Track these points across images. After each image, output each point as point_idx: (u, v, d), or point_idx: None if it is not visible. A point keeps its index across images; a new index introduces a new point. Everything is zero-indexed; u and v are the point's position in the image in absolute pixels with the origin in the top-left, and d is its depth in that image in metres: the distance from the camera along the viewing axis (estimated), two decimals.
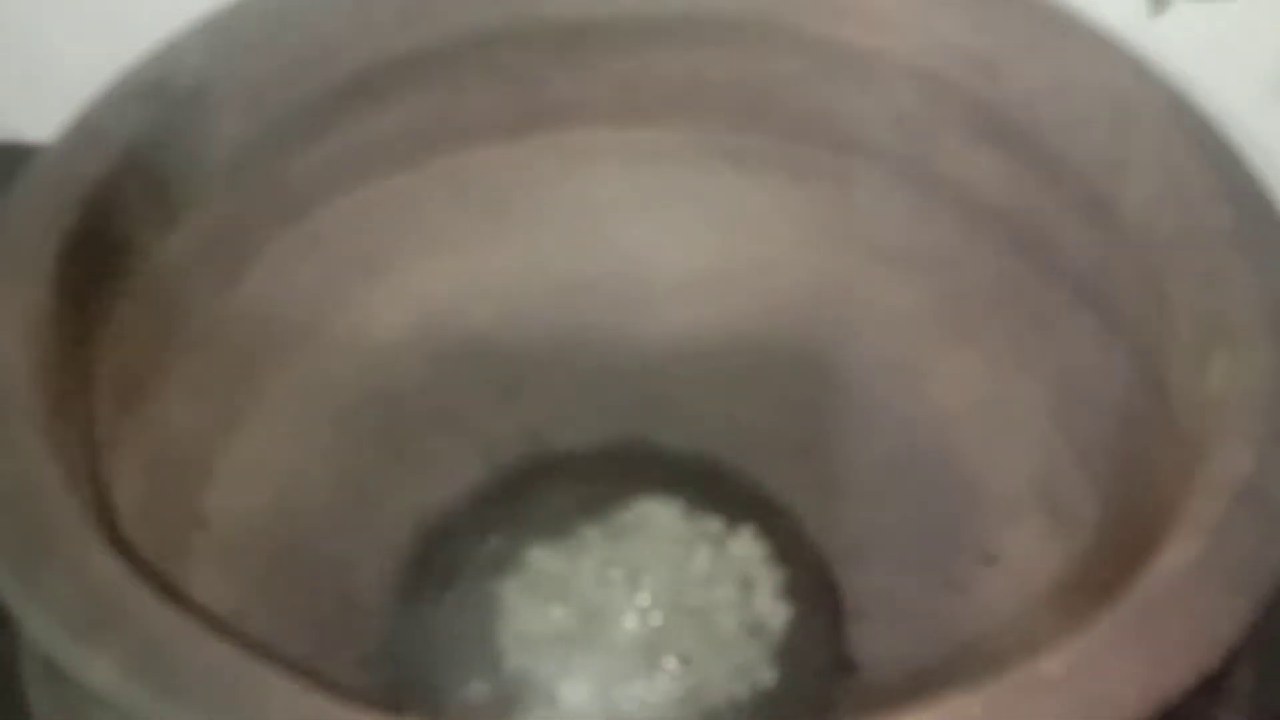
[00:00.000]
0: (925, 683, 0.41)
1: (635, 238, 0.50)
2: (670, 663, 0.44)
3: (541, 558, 0.46)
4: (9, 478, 0.37)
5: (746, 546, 0.46)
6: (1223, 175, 0.42)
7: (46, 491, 0.37)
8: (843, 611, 0.45)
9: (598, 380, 0.49)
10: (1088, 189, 0.44)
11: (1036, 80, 0.45)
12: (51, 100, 0.44)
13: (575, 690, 0.44)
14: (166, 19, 0.45)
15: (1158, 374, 0.42)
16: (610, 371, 0.49)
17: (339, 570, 0.46)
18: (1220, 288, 0.40)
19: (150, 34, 0.45)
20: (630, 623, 0.45)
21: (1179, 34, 0.47)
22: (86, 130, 0.44)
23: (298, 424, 0.47)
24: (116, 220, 0.43)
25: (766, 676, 0.44)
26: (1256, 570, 0.35)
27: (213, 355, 0.46)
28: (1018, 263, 0.47)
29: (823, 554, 0.46)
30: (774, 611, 0.45)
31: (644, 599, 0.45)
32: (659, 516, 0.46)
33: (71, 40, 0.53)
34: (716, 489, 0.47)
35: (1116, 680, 0.33)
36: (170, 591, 0.36)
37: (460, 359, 0.49)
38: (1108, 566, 0.41)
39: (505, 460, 0.48)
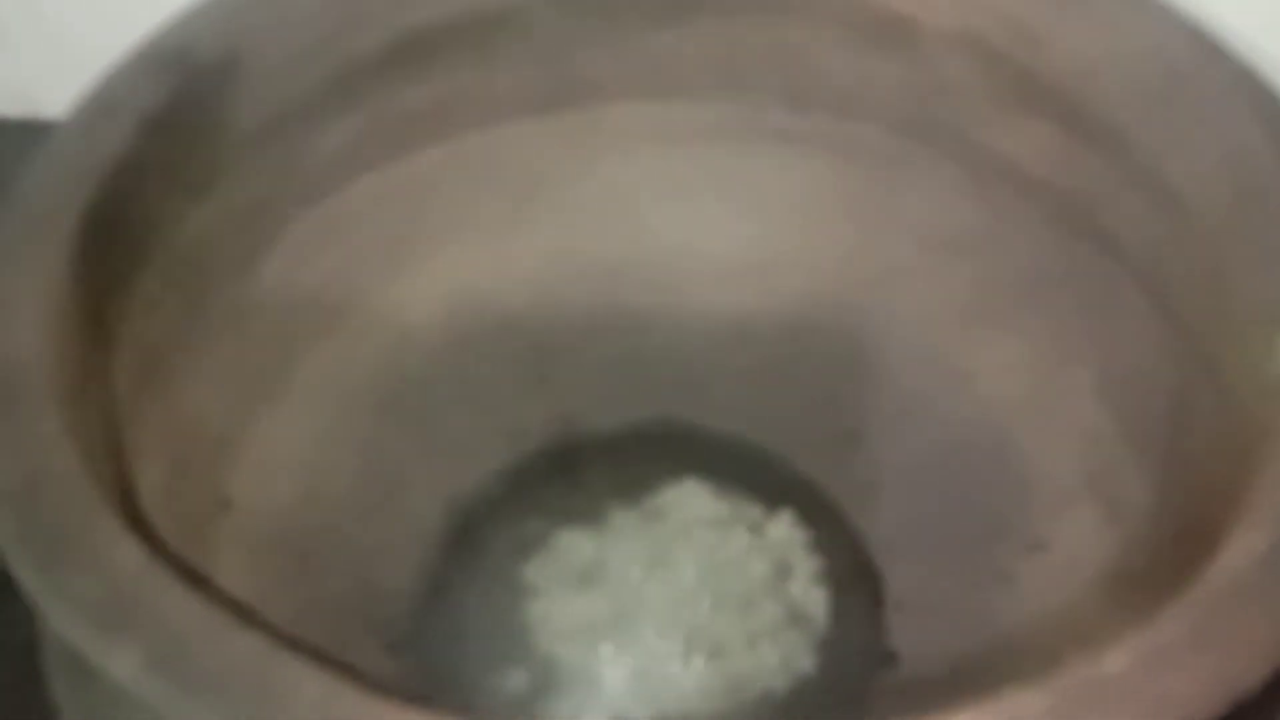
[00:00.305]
0: (968, 675, 0.41)
1: (670, 218, 0.49)
2: (705, 649, 0.43)
3: (573, 542, 0.45)
4: (27, 464, 0.36)
5: (784, 532, 0.45)
6: None
7: (66, 478, 0.36)
8: (883, 601, 0.45)
9: (630, 364, 0.49)
10: (1141, 164, 0.43)
11: (1087, 48, 0.44)
12: (70, 74, 0.44)
13: (608, 678, 0.43)
14: None
15: (1214, 358, 0.41)
16: (643, 355, 0.49)
17: (366, 555, 0.45)
18: None
19: (171, 5, 0.44)
20: (664, 608, 0.44)
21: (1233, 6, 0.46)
22: (104, 103, 0.43)
23: (324, 406, 0.47)
24: (136, 196, 0.42)
25: (805, 665, 0.44)
26: None
27: (237, 335, 0.45)
28: (1067, 243, 0.46)
29: (863, 542, 0.46)
30: (812, 599, 0.44)
31: (678, 584, 0.44)
32: (694, 500, 0.46)
33: (91, 12, 0.53)
34: (753, 474, 0.47)
35: (1186, 676, 0.32)
36: (195, 579, 0.35)
37: (490, 341, 0.48)
38: (1164, 556, 0.40)
39: (536, 444, 0.47)
